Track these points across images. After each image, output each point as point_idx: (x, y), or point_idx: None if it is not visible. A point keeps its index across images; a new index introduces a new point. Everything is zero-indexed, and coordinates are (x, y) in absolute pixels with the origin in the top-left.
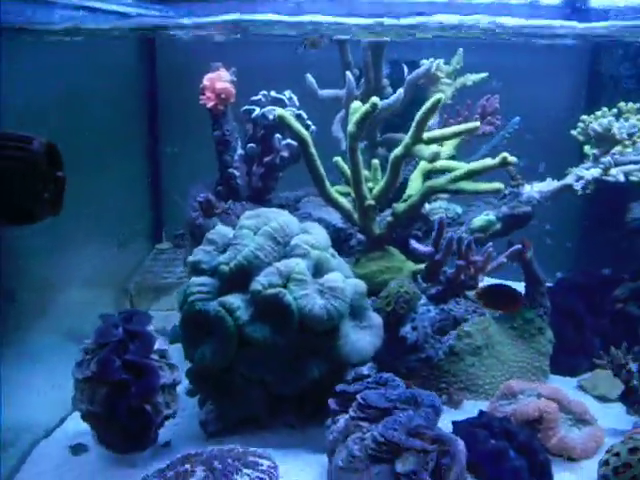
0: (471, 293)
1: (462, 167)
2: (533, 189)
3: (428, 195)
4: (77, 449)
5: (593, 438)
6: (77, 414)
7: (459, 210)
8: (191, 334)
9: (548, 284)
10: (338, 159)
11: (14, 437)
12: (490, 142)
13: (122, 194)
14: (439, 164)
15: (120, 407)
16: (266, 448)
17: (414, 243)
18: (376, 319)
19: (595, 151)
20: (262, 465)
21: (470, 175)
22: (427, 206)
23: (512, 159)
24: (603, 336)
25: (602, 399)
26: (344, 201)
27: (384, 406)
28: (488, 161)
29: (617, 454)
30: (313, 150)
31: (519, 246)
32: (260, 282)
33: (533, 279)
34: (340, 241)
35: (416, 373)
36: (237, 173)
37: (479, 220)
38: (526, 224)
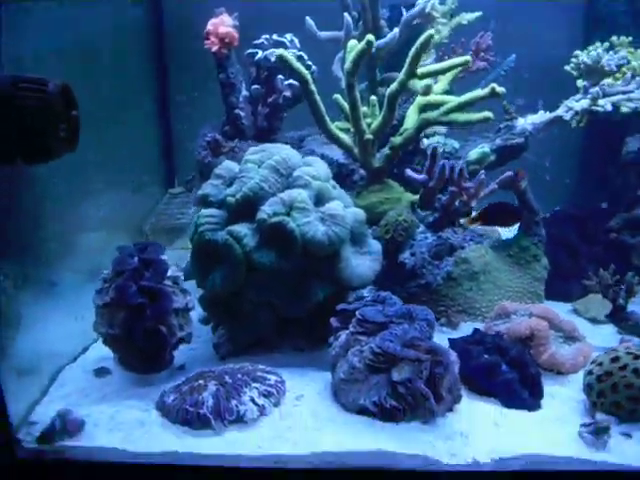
0: (464, 220)
1: (454, 100)
2: (526, 122)
3: (423, 127)
4: (100, 372)
5: (581, 353)
6: (99, 343)
7: (456, 145)
8: (202, 263)
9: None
10: (338, 96)
11: (39, 364)
12: (487, 79)
13: (136, 143)
14: (433, 98)
15: (137, 329)
16: (276, 367)
17: (409, 172)
18: (375, 246)
19: (585, 83)
20: (269, 380)
21: (462, 107)
22: (425, 142)
23: (500, 89)
24: (597, 263)
25: (594, 321)
26: (344, 137)
27: (381, 320)
28: (478, 92)
29: (600, 364)
30: (313, 88)
31: (510, 173)
32: (265, 211)
33: (528, 208)
34: (342, 176)
35: (416, 298)
36: (242, 114)
37: (474, 153)
38: (519, 155)
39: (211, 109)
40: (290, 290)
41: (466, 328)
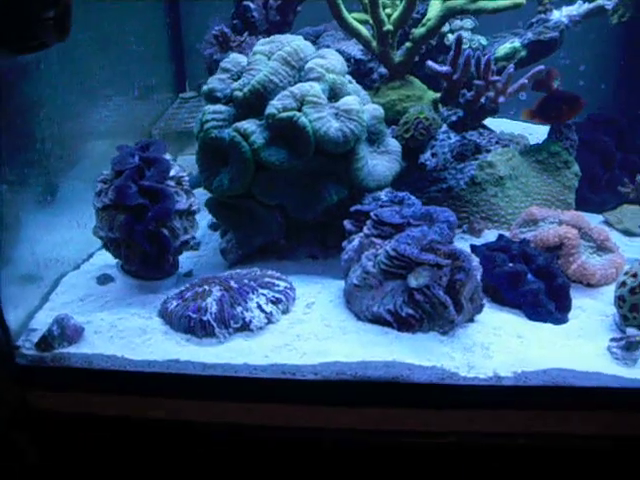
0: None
1: None
2: (562, 14)
3: (447, 17)
4: (103, 279)
5: (613, 265)
6: (104, 251)
7: (484, 42)
8: (208, 163)
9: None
10: None
11: (40, 271)
12: None
13: (144, 47)
14: None
15: (137, 231)
16: (287, 274)
17: (431, 63)
18: (394, 145)
19: None
20: (279, 286)
21: None
22: (450, 37)
23: None
24: (632, 173)
25: (627, 233)
26: (362, 28)
27: (397, 222)
28: None
29: (634, 275)
30: None
31: (542, 67)
32: (274, 106)
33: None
34: (360, 74)
35: (437, 203)
36: (252, 5)
37: (503, 48)
38: (553, 51)
39: (223, 4)
40: (302, 191)
41: (490, 236)
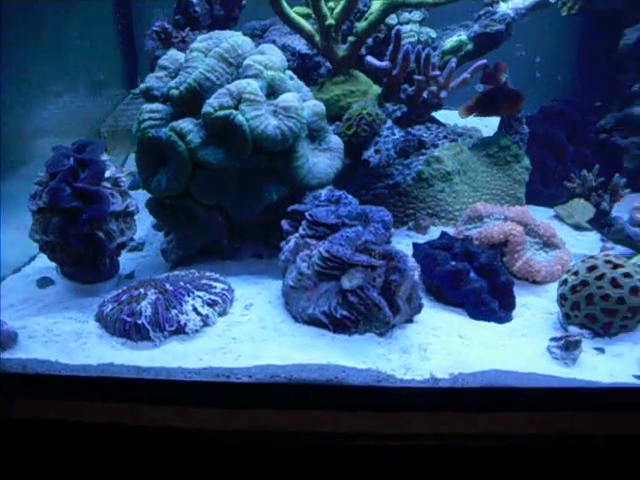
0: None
1: None
2: (508, 6)
3: (388, 10)
4: (43, 283)
5: (559, 261)
6: None
7: (433, 34)
8: (146, 163)
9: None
10: None
11: None
12: None
13: (90, 42)
14: None
15: (72, 234)
16: (228, 275)
17: (370, 58)
18: (336, 142)
19: None
20: (216, 288)
21: None
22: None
23: None
24: (585, 166)
25: (577, 227)
26: (304, 22)
27: (332, 222)
28: None
29: (576, 273)
30: None
31: (484, 61)
32: (211, 104)
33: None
34: (307, 69)
35: (383, 200)
36: (195, 1)
37: (450, 41)
38: (500, 43)
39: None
40: (241, 191)
41: (436, 233)
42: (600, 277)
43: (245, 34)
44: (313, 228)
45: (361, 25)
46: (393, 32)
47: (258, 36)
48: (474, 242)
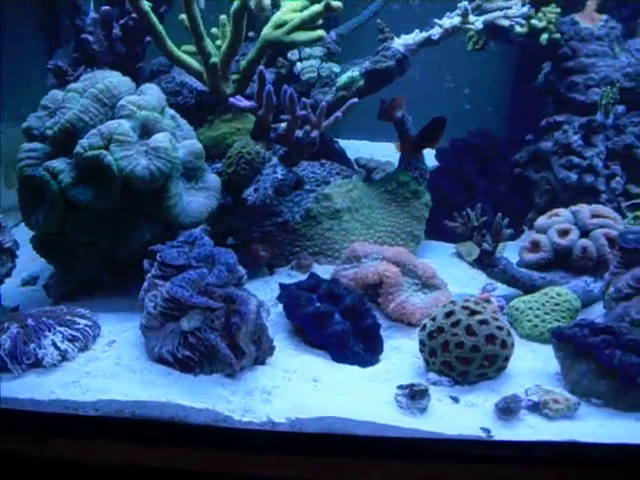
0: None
1: (296, 17)
2: (398, 42)
3: (264, 48)
4: None
5: (437, 303)
6: None
7: (336, 69)
8: (27, 200)
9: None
10: (183, 17)
11: None
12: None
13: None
14: (287, 16)
15: None
16: (107, 311)
17: (232, 99)
18: (213, 181)
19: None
20: (79, 324)
21: (302, 25)
22: (299, 65)
23: (336, 4)
24: (497, 202)
25: (475, 265)
26: (191, 61)
27: (178, 264)
28: (315, 7)
29: (434, 318)
30: (145, 7)
31: (355, 100)
32: (81, 144)
33: (406, 140)
34: (204, 106)
35: (272, 237)
36: (91, 38)
37: (343, 77)
38: (392, 79)
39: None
40: (116, 229)
41: (320, 271)
42: (456, 324)
43: (152, 70)
44: (162, 269)
45: (242, 64)
46: (257, 72)
47: (164, 72)
48: (350, 283)
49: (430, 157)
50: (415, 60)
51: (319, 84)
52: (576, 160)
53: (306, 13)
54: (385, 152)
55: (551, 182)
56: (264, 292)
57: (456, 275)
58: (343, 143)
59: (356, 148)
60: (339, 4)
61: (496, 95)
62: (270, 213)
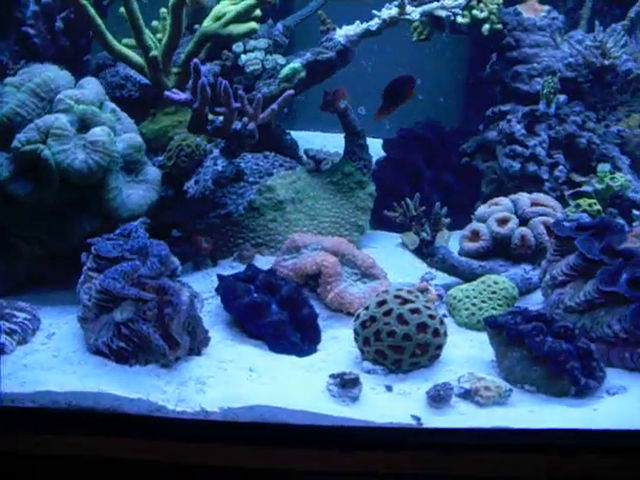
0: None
1: (232, 10)
2: (339, 33)
3: (202, 42)
4: None
5: (375, 292)
6: None
7: (281, 61)
8: None
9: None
10: (122, 10)
11: None
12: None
13: None
14: (226, 8)
15: None
16: (50, 305)
17: (168, 92)
18: (153, 173)
19: None
20: (18, 317)
21: (238, 18)
22: (243, 57)
23: None
24: (444, 190)
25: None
26: (132, 54)
27: (112, 256)
28: (249, 1)
29: (367, 308)
30: (83, 0)
31: (290, 92)
32: (18, 139)
33: (350, 131)
34: (148, 99)
35: (215, 230)
36: (32, 31)
37: (285, 69)
38: (333, 70)
39: None
40: (56, 222)
41: (262, 262)
42: (388, 313)
43: (98, 64)
44: (97, 261)
45: (181, 57)
46: (191, 65)
47: (110, 65)
48: (290, 274)
49: (377, 148)
50: (368, 51)
51: (266, 76)
52: (519, 149)
53: (241, 6)
54: (337, 143)
55: (497, 171)
56: (205, 284)
57: (400, 265)
58: (296, 134)
59: (308, 139)
60: None
61: (450, 86)
62: (214, 205)
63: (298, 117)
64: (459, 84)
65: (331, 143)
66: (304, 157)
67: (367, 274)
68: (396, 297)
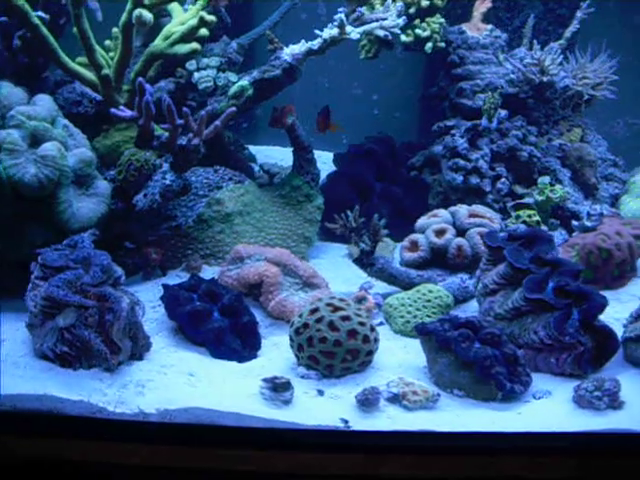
0: None
1: (178, 30)
2: (286, 52)
3: (150, 60)
4: None
5: None
6: None
7: (233, 78)
8: None
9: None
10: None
11: None
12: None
13: None
14: (174, 28)
15: None
16: (5, 312)
17: (114, 110)
18: (104, 187)
19: (340, 9)
20: None
21: (183, 38)
22: (196, 75)
23: (209, 18)
24: (394, 203)
25: None
26: (85, 72)
27: (57, 265)
28: (191, 22)
29: (301, 315)
30: (35, 20)
31: (233, 109)
32: None
33: (298, 146)
34: (104, 115)
35: (166, 241)
36: None
37: (234, 87)
38: (280, 88)
39: None
40: (8, 234)
41: (209, 273)
42: (319, 320)
43: (56, 81)
44: (43, 270)
45: (131, 75)
46: (136, 83)
47: (68, 83)
48: (234, 283)
49: (329, 162)
50: (324, 68)
51: (218, 93)
52: (461, 163)
53: (185, 27)
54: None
55: (442, 184)
56: (154, 293)
57: (344, 275)
58: (256, 149)
59: (268, 154)
60: (212, 18)
61: (406, 101)
62: (165, 217)
63: (260, 132)
64: (414, 100)
65: (289, 157)
66: (257, 170)
67: (308, 283)
68: (328, 305)
